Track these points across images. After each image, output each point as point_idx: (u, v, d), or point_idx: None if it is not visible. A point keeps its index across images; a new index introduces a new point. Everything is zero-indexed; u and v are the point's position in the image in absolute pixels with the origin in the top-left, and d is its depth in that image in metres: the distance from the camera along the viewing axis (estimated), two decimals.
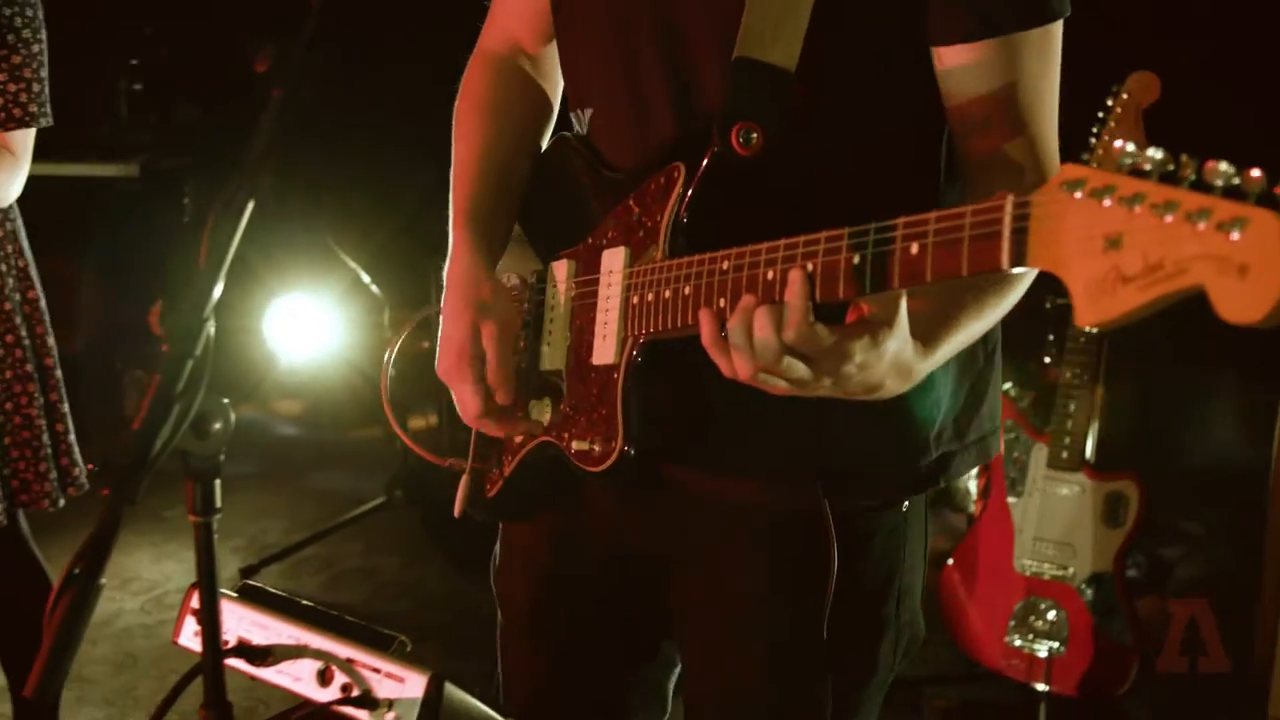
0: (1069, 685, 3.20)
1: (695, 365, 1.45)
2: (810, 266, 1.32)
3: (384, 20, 4.16)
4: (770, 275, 1.35)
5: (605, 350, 1.59)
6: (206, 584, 1.29)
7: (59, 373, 2.73)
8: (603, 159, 1.71)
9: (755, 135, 1.49)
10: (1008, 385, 3.38)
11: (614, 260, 1.60)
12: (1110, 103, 3.14)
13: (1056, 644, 3.21)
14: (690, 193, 1.52)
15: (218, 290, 1.25)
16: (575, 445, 1.60)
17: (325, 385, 4.82)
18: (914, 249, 1.23)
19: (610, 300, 1.60)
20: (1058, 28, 1.52)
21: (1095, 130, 3.16)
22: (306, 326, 4.34)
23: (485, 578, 1.88)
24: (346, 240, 4.18)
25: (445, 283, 1.73)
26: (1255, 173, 0.98)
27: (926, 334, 1.40)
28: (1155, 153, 1.03)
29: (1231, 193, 0.99)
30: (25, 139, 2.64)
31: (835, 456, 1.58)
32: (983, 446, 1.69)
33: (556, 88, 1.87)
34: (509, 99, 1.84)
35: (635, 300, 1.54)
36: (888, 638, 1.68)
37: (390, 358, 1.85)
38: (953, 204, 1.29)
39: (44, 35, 2.64)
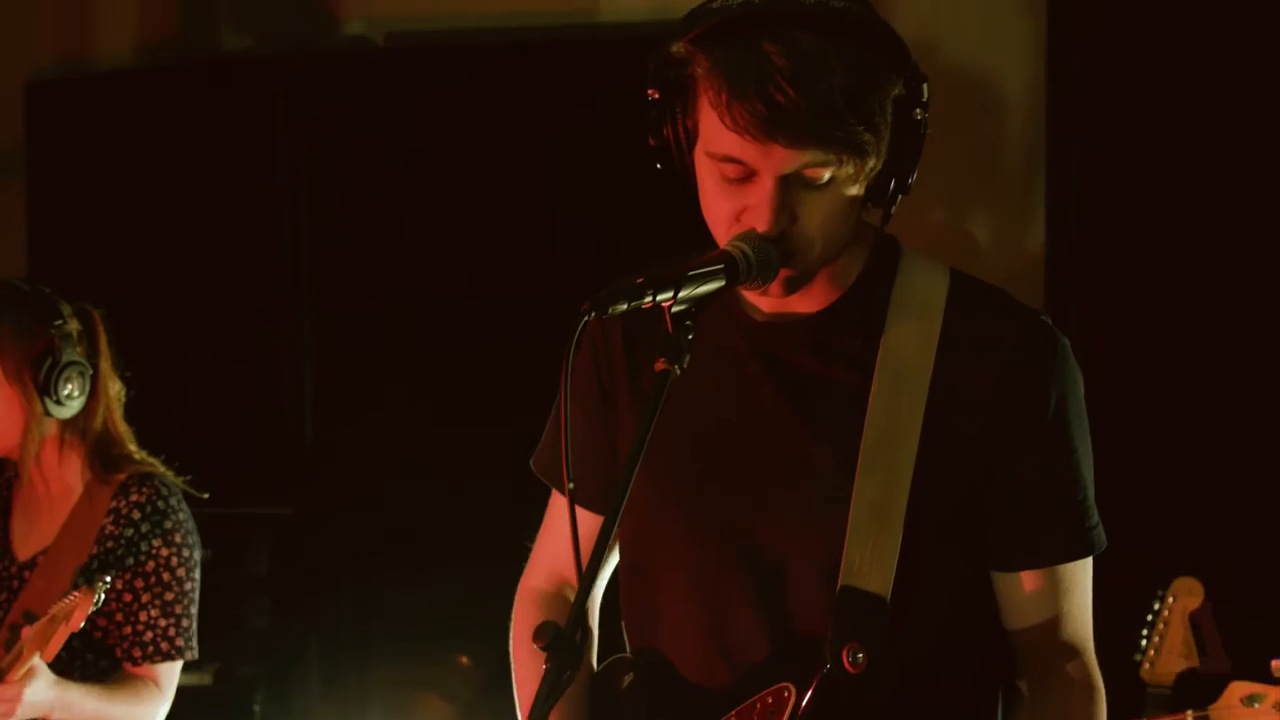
0: None
1: None
2: None
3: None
4: None
5: None
6: None
7: None
8: (680, 678, 1.89)
9: (861, 655, 1.72)
10: None
11: None
12: (1157, 606, 3.35)
13: None
14: (804, 707, 1.74)
15: None
16: None
17: None
18: None
19: None
20: (1090, 559, 1.87)
21: (1145, 633, 3.35)
22: None
23: None
24: None
25: None
26: None
27: None
28: None
29: None
30: (171, 671, 2.82)
31: None
32: None
33: (596, 614, 2.06)
34: None
35: None
36: None
37: None
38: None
39: (198, 575, 2.84)
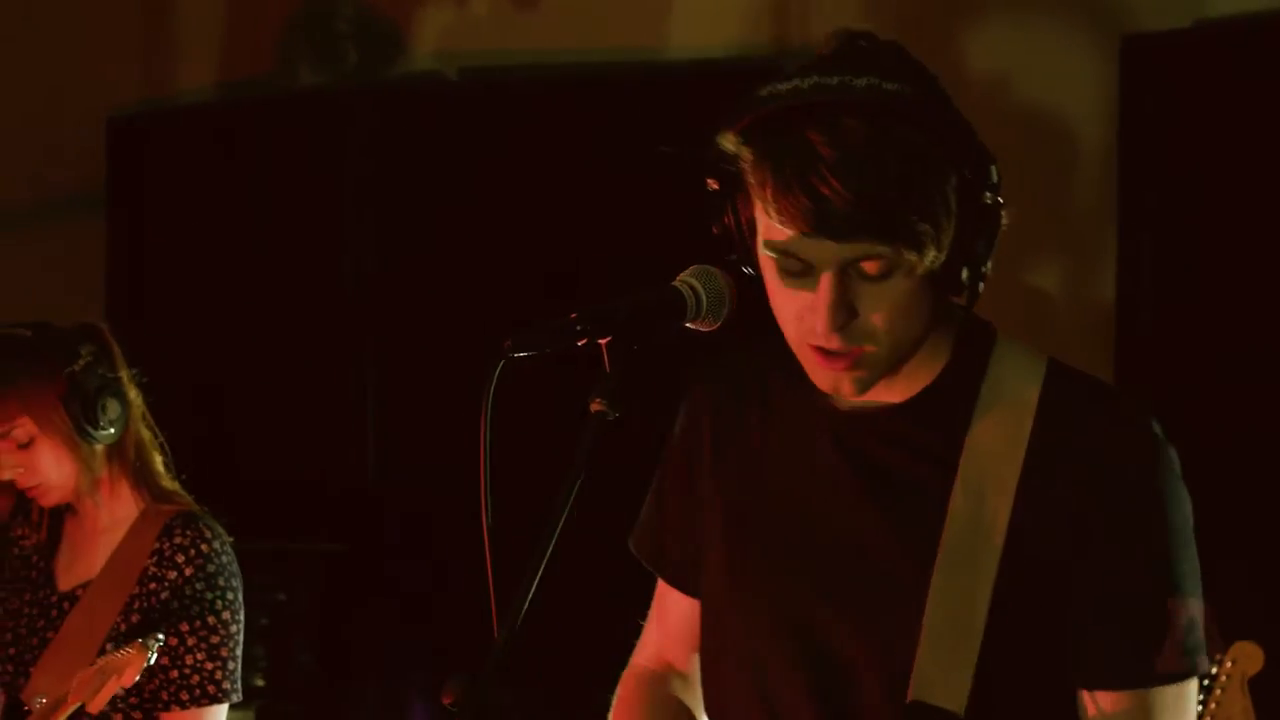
0: None
1: None
2: None
3: None
4: None
5: None
6: None
7: None
8: None
9: None
10: None
11: None
12: (1215, 670, 3.19)
13: None
14: None
15: None
16: None
17: None
18: None
19: None
20: (1194, 683, 1.71)
21: (1202, 698, 3.19)
22: None
23: None
24: None
25: None
26: None
27: None
28: None
29: None
30: (216, 715, 2.80)
31: None
32: None
33: (700, 701, 1.96)
34: (659, 713, 1.96)
35: None
36: None
37: None
38: None
39: (242, 617, 2.85)
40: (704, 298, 1.62)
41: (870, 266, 1.58)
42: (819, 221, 1.55)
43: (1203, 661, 1.70)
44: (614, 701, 1.98)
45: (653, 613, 2.01)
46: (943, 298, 1.68)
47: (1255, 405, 3.76)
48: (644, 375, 1.60)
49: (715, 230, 1.71)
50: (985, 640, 1.64)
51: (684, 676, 1.99)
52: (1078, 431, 1.68)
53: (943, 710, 1.63)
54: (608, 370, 1.57)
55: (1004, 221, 1.65)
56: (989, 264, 1.65)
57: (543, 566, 1.52)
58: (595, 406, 1.56)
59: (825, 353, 1.63)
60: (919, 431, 1.72)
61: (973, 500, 1.66)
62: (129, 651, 2.60)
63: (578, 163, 4.46)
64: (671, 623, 1.98)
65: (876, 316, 1.62)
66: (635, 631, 2.04)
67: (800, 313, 1.63)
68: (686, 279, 1.64)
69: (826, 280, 1.59)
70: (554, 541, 1.53)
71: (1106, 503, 1.66)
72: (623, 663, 2.02)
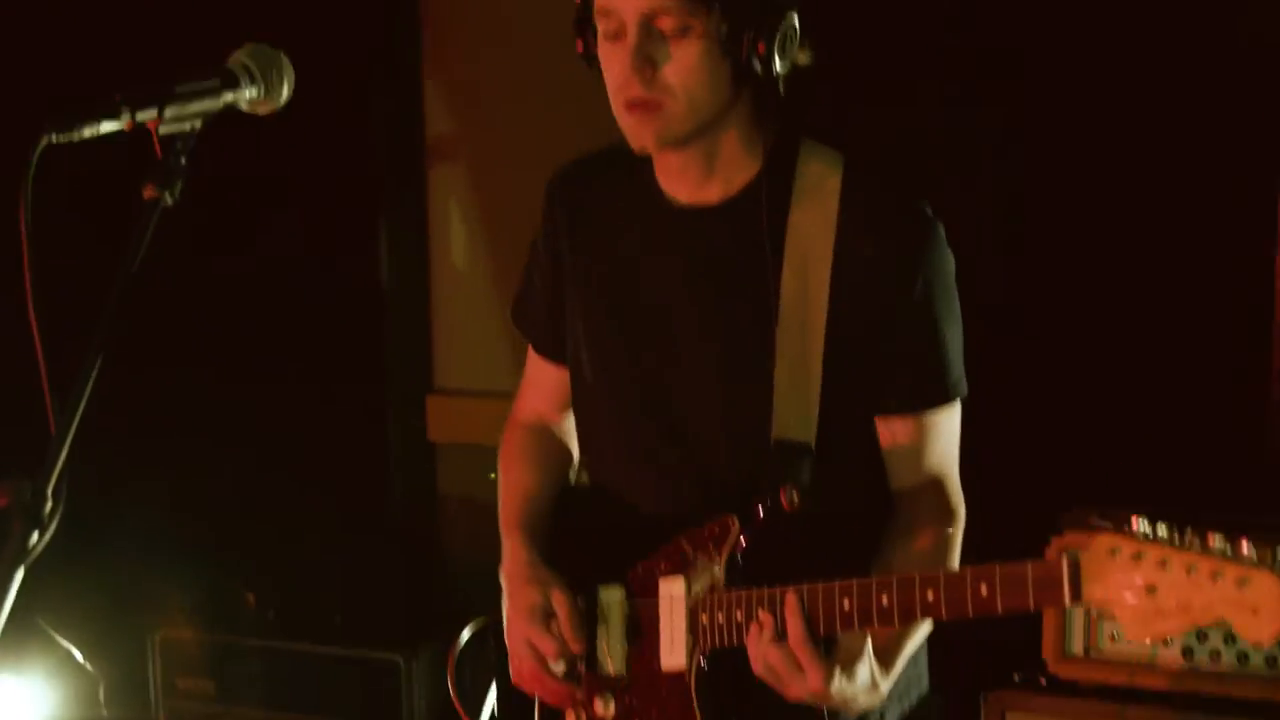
0: None
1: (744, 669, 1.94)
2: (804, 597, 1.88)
3: None
4: (847, 605, 1.85)
5: (674, 659, 2.04)
6: None
7: None
8: (630, 507, 2.18)
9: (796, 494, 1.99)
10: None
11: (673, 587, 2.06)
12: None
13: None
14: (748, 536, 2.01)
15: None
16: None
17: None
18: (983, 590, 1.73)
19: (675, 619, 2.05)
20: (958, 405, 2.12)
21: None
22: (7, 710, 4.15)
23: None
24: (50, 611, 4.02)
25: (505, 577, 2.20)
26: (1245, 545, 1.52)
27: (884, 659, 1.97)
28: (1163, 530, 1.57)
29: (1228, 556, 1.53)
30: None
31: None
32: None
33: (574, 442, 2.34)
34: (541, 450, 2.35)
35: (705, 620, 2.01)
36: None
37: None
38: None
39: None
40: (258, 75, 1.63)
41: (665, 23, 1.93)
42: None
43: (962, 389, 2.10)
44: (500, 447, 2.37)
45: (525, 378, 2.39)
46: (741, 82, 1.99)
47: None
48: (199, 159, 1.57)
49: (580, 47, 2.04)
50: (823, 385, 2.03)
51: (556, 424, 2.37)
52: (871, 211, 2.05)
53: (800, 443, 2.02)
54: (159, 155, 1.54)
55: (796, 30, 1.97)
56: (779, 59, 1.97)
57: (99, 360, 1.48)
58: (148, 193, 1.54)
59: (632, 104, 1.96)
60: (748, 219, 2.06)
61: (799, 274, 2.03)
62: None
63: None
64: (544, 387, 2.35)
65: (671, 71, 1.94)
66: None
67: (617, 73, 1.96)
68: (239, 56, 1.63)
69: (631, 32, 1.93)
70: (110, 331, 1.49)
71: (894, 266, 2.03)
72: None
